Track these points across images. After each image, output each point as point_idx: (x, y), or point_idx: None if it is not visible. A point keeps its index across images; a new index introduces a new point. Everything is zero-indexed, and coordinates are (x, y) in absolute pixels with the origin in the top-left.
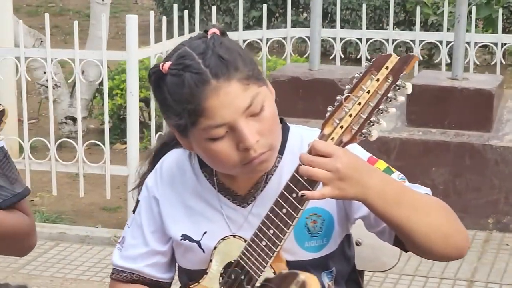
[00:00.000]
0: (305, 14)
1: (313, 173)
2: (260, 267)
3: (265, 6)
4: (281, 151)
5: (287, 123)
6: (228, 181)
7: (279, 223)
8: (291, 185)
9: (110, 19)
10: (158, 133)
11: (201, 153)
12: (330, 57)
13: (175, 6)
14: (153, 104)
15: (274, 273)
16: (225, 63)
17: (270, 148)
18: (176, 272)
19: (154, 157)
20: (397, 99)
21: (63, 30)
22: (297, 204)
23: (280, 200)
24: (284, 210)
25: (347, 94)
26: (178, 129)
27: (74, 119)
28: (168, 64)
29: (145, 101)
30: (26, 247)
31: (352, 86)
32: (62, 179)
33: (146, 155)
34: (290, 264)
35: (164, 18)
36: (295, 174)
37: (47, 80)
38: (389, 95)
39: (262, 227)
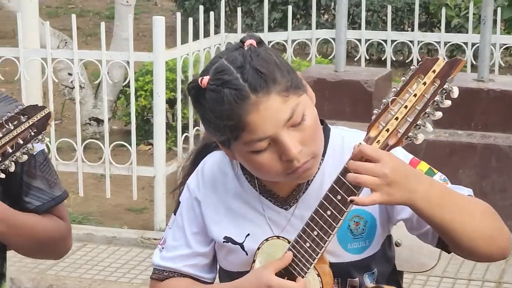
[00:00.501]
0: (326, 16)
1: (361, 180)
2: (304, 268)
3: (289, 7)
4: (323, 153)
5: (328, 125)
6: (270, 184)
7: (324, 225)
8: (336, 187)
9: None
10: (184, 134)
11: (245, 164)
12: (355, 59)
13: (201, 7)
14: (179, 105)
15: (318, 274)
16: (263, 76)
17: (313, 156)
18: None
19: (195, 159)
20: (443, 102)
21: (84, 32)
22: (342, 207)
23: (324, 202)
24: (329, 212)
25: (394, 97)
26: (220, 142)
27: (98, 120)
28: (206, 79)
29: (169, 102)
30: (62, 251)
31: (398, 89)
32: (87, 180)
33: (186, 157)
34: (333, 266)
35: (190, 20)
36: (340, 176)
37: (71, 81)
38: (435, 98)
39: (306, 228)
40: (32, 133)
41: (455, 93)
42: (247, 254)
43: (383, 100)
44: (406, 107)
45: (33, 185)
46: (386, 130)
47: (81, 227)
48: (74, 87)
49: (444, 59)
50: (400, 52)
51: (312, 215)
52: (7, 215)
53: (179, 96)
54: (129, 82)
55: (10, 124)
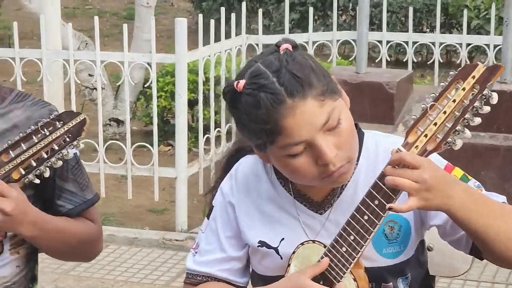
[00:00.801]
0: (344, 17)
1: (400, 184)
2: (340, 272)
3: (311, 9)
4: (357, 157)
5: (361, 129)
6: (304, 188)
7: (360, 230)
8: (374, 192)
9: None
10: (206, 136)
11: (280, 168)
12: (376, 60)
13: (222, 9)
14: (200, 106)
15: (354, 279)
16: (300, 81)
17: (348, 160)
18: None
19: (227, 163)
20: (482, 108)
21: (102, 32)
22: (379, 211)
23: (361, 207)
24: (366, 217)
25: (432, 103)
26: (256, 146)
27: (117, 121)
28: (242, 83)
29: (188, 103)
30: (93, 253)
31: (437, 95)
32: (108, 181)
33: (219, 161)
34: (367, 271)
35: (212, 22)
36: (378, 181)
37: (91, 82)
38: (475, 104)
39: (343, 233)
40: (67, 139)
41: (495, 99)
42: (281, 258)
43: (422, 106)
44: (445, 112)
45: (66, 188)
46: (424, 136)
47: (103, 228)
48: (94, 88)
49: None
50: (419, 53)
51: (349, 219)
52: (39, 219)
53: (200, 98)
54: (150, 83)
55: (45, 129)
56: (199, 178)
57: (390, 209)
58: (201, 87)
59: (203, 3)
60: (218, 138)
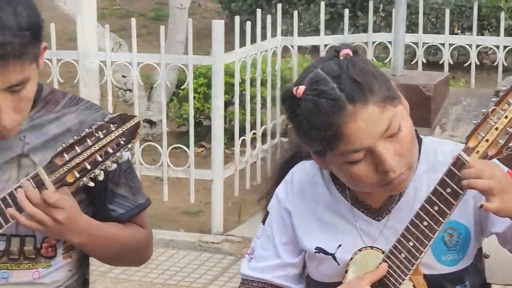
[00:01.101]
0: (374, 17)
1: (479, 185)
2: (399, 279)
3: (346, 11)
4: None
5: (419, 135)
6: (361, 195)
7: (420, 236)
8: (433, 198)
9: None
10: (242, 138)
11: (339, 174)
12: (412, 62)
13: (258, 11)
14: (236, 108)
15: (414, 286)
16: (361, 87)
17: (408, 167)
18: None
19: (282, 169)
20: None
21: (130, 33)
22: (439, 217)
23: (421, 213)
24: (425, 223)
25: (493, 107)
26: (315, 152)
27: (150, 122)
28: (302, 89)
29: None
30: (142, 259)
31: (498, 99)
32: (142, 183)
33: (274, 167)
34: (426, 278)
35: (248, 23)
36: (438, 187)
37: (125, 84)
38: None
39: (402, 239)
40: (122, 142)
41: None
42: (339, 264)
43: (483, 110)
44: (506, 117)
45: (118, 192)
46: (485, 141)
47: None
48: (127, 89)
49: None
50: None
51: (408, 225)
52: (88, 227)
53: (237, 99)
54: (186, 85)
55: (99, 132)
56: (235, 180)
57: (481, 207)
58: (237, 89)
59: (232, 4)
60: (253, 140)
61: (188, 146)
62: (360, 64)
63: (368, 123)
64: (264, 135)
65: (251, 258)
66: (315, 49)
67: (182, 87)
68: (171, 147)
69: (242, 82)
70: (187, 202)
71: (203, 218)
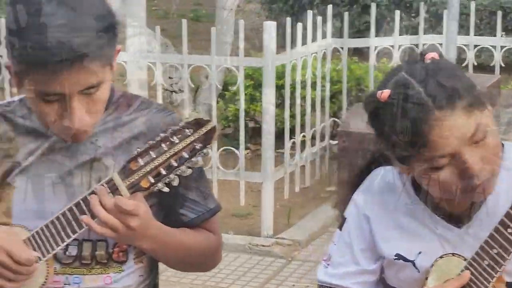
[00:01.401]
0: (417, 19)
1: None
2: (482, 286)
3: (397, 12)
4: None
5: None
6: (442, 201)
7: (504, 243)
8: None
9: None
10: (291, 140)
11: (421, 180)
12: (462, 65)
13: (309, 12)
14: (287, 110)
15: None
16: (448, 91)
17: (492, 174)
18: None
19: (361, 174)
20: None
21: (170, 34)
22: None
23: (506, 220)
24: (510, 230)
25: None
26: (397, 157)
27: None
28: (386, 93)
29: None
30: (211, 264)
31: None
32: None
33: (352, 173)
34: (509, 286)
35: (300, 25)
36: None
37: (171, 85)
38: None
39: (485, 246)
40: (197, 147)
41: None
42: (419, 271)
43: None
44: None
45: (189, 197)
46: None
47: None
48: (173, 91)
49: None
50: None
51: (492, 233)
52: (159, 233)
53: (287, 102)
54: (237, 86)
55: (174, 137)
56: (284, 183)
57: None
58: (288, 91)
59: (273, 5)
60: (303, 143)
61: (235, 148)
62: (447, 68)
63: (455, 129)
64: (313, 138)
65: (328, 265)
66: (357, 50)
67: (230, 89)
68: (221, 149)
69: (294, 84)
70: (236, 204)
71: (252, 221)
